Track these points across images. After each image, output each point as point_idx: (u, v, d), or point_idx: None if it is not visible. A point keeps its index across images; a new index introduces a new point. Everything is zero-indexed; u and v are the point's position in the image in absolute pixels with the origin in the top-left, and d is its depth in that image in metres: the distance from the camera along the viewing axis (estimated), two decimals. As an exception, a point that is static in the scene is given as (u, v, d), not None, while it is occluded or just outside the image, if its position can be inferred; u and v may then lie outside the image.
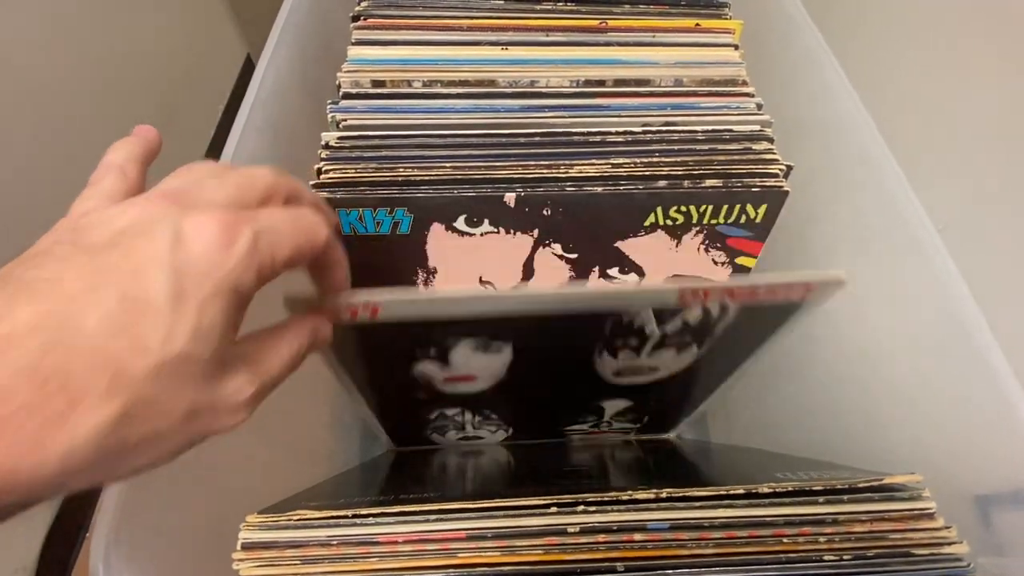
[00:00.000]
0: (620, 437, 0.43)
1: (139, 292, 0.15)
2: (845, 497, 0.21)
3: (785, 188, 0.30)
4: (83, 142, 0.65)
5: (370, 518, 0.20)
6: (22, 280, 0.15)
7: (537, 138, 0.31)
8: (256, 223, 0.17)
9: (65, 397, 0.14)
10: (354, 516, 0.20)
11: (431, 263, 0.33)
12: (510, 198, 0.29)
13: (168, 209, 0.17)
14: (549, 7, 0.37)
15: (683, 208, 0.31)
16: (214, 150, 0.89)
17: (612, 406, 0.37)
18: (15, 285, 0.15)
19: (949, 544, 0.21)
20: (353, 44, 0.34)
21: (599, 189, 0.30)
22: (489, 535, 0.20)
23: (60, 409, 0.14)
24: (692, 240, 0.33)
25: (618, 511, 0.21)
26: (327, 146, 0.30)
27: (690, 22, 0.37)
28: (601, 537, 0.20)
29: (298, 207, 0.20)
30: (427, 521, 0.20)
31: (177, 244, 0.16)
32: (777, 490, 0.21)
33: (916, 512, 0.22)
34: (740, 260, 0.34)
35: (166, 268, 0.16)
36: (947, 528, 0.21)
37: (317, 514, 0.20)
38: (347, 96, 0.33)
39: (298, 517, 0.20)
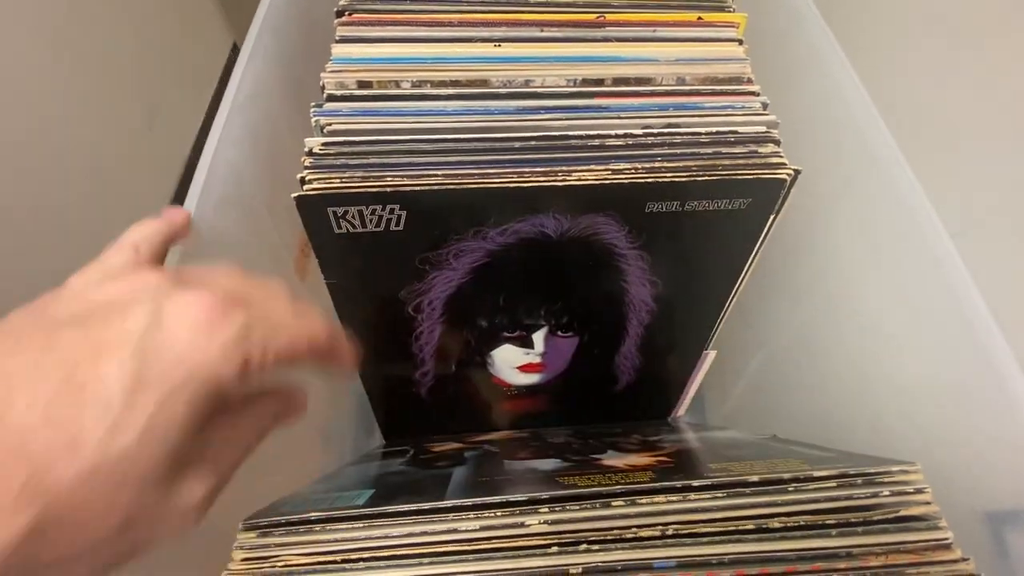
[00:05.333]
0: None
1: (88, 376, 0.13)
2: (859, 529, 0.20)
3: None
4: (68, 135, 0.63)
5: (360, 563, 0.19)
6: None
7: (533, 142, 0.30)
8: (252, 310, 0.15)
9: None
10: (343, 561, 0.19)
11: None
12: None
13: (158, 284, 0.15)
14: (543, 0, 0.35)
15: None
16: (200, 144, 0.87)
17: None
18: None
19: (967, 577, 0.20)
20: (337, 42, 0.33)
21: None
22: (487, 579, 0.19)
23: None
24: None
25: (622, 549, 0.20)
26: (311, 153, 0.29)
27: (692, 16, 0.35)
28: (605, 579, 0.19)
29: (305, 307, 0.18)
30: (420, 565, 0.19)
31: (154, 325, 0.14)
32: (788, 524, 0.20)
33: (932, 543, 0.21)
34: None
35: (131, 350, 0.13)
36: (965, 560, 0.20)
37: (303, 559, 0.19)
38: (332, 98, 0.31)
39: (283, 564, 0.19)
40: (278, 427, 0.19)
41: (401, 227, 0.29)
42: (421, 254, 0.31)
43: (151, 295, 0.15)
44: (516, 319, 0.37)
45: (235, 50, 0.98)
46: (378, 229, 0.29)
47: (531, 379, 0.42)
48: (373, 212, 0.28)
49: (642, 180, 0.29)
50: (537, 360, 0.40)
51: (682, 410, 0.48)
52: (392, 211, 0.28)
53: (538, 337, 0.39)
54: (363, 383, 0.41)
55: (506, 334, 0.38)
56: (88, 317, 0.14)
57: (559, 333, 0.39)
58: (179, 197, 0.82)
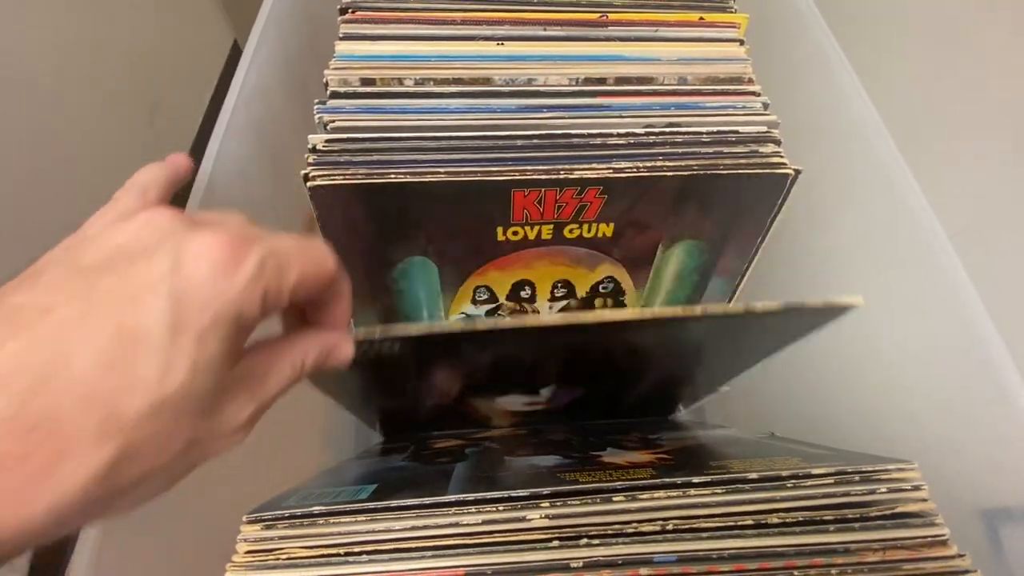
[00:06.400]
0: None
1: (135, 323, 0.14)
2: (857, 525, 0.21)
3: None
4: (70, 130, 0.63)
5: (363, 556, 0.19)
6: (12, 307, 0.14)
7: (535, 140, 0.30)
8: (263, 245, 0.16)
9: (53, 446, 0.13)
10: (346, 554, 0.19)
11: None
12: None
13: (173, 226, 0.16)
14: (546, -2, 0.36)
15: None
16: (201, 141, 0.87)
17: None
18: (4, 312, 0.14)
19: (964, 573, 0.20)
20: (341, 39, 0.33)
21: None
22: (489, 572, 0.19)
23: (47, 459, 0.13)
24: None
25: (623, 543, 0.20)
26: (314, 149, 0.29)
27: (694, 16, 0.35)
28: (606, 572, 0.19)
29: (309, 239, 0.19)
30: (423, 558, 0.19)
31: (177, 268, 0.15)
32: (787, 520, 0.20)
33: (929, 539, 0.21)
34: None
35: (164, 296, 0.15)
36: (960, 556, 0.21)
37: (306, 552, 0.19)
38: (335, 95, 0.31)
39: (286, 556, 0.19)
40: (319, 367, 0.20)
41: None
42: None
43: (169, 238, 0.16)
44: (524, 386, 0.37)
45: (236, 48, 0.98)
46: None
47: (536, 407, 0.42)
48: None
49: (643, 178, 0.29)
50: (542, 403, 0.40)
51: (682, 409, 0.49)
52: None
53: (545, 390, 0.39)
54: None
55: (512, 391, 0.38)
56: (116, 263, 0.15)
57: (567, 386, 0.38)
58: (179, 193, 0.82)
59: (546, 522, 0.20)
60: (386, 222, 0.30)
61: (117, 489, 0.15)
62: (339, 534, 0.20)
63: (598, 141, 0.30)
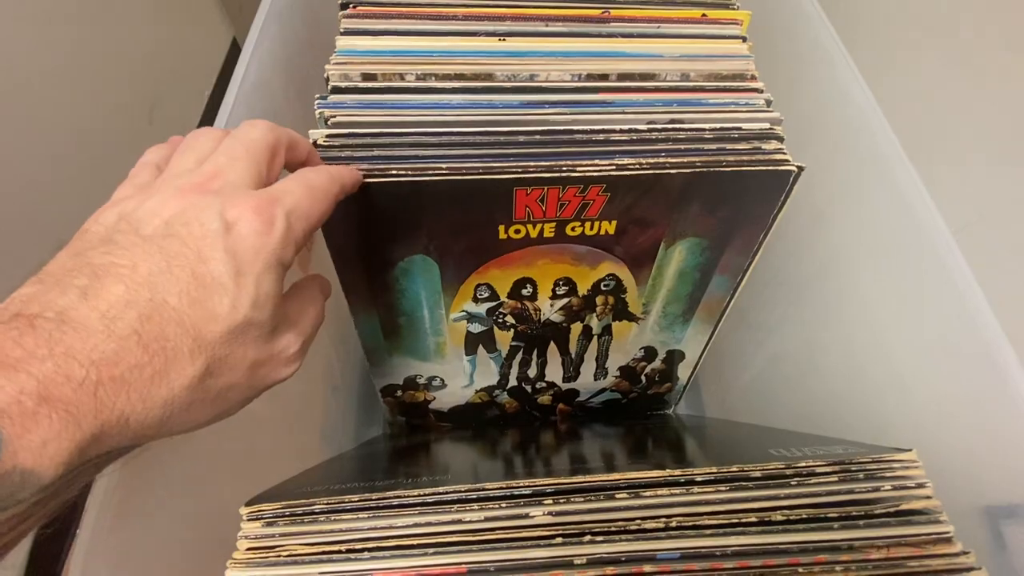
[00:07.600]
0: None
1: (205, 271, 0.18)
2: (861, 523, 0.21)
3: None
4: (69, 129, 0.62)
5: (365, 552, 0.19)
6: (99, 265, 0.18)
7: (537, 137, 0.30)
8: (284, 204, 0.20)
9: (162, 359, 0.17)
10: (348, 551, 0.19)
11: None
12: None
13: (205, 200, 0.19)
14: (548, -6, 0.35)
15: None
16: (199, 138, 0.87)
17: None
18: (93, 269, 0.17)
19: (968, 571, 0.20)
20: (342, 34, 0.33)
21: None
22: (492, 569, 0.19)
23: (160, 368, 0.17)
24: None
25: (626, 540, 0.20)
26: (315, 144, 0.29)
27: (696, 12, 0.35)
28: (609, 569, 0.19)
29: (303, 173, 0.22)
30: (425, 555, 0.19)
31: (227, 231, 0.19)
32: (791, 517, 0.20)
33: (934, 536, 0.21)
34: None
35: (222, 250, 0.18)
36: (965, 554, 0.21)
37: (307, 548, 0.19)
38: (336, 90, 0.31)
39: (288, 553, 0.19)
40: (324, 299, 0.25)
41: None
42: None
43: (212, 208, 0.19)
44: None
45: (235, 45, 0.98)
46: None
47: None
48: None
49: (646, 175, 0.29)
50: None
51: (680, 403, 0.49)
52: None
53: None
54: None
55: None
56: (173, 231, 0.19)
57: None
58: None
59: (549, 519, 0.20)
60: (387, 219, 0.30)
61: (207, 395, 0.18)
62: (341, 531, 0.20)
63: (601, 137, 0.30)
